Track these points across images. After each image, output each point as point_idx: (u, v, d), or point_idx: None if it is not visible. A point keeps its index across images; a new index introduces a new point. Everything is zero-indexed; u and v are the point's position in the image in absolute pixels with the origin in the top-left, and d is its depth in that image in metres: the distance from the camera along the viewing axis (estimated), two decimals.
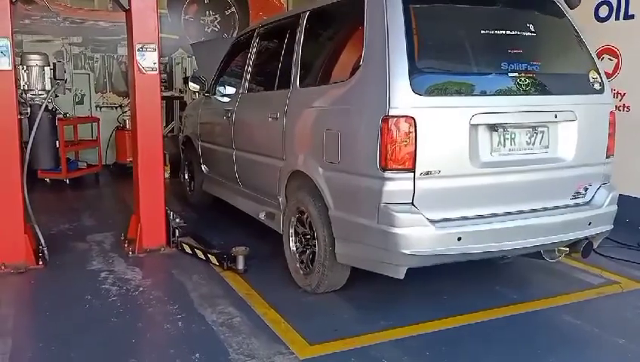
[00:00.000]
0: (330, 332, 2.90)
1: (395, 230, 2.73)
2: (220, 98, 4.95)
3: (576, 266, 3.85)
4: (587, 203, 3.25)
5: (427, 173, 2.75)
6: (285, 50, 3.83)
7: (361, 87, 2.96)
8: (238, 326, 2.97)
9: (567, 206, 3.18)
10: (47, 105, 4.17)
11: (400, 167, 2.72)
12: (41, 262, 3.88)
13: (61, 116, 6.85)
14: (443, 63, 2.96)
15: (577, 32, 3.30)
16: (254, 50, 4.43)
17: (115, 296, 3.38)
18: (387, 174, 2.73)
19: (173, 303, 3.28)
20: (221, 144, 4.78)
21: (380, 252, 2.87)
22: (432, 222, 2.77)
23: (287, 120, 3.59)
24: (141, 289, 3.50)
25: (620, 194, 3.33)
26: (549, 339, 2.88)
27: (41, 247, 3.92)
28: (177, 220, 4.32)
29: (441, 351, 2.73)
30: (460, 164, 2.84)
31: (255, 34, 4.48)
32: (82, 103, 8.43)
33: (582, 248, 3.19)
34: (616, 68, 4.97)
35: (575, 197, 3.21)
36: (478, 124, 2.86)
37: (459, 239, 2.78)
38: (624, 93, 4.89)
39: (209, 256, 3.94)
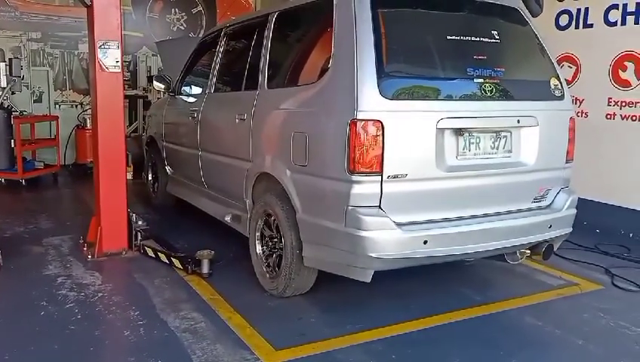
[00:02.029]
0: (297, 336, 2.87)
1: (362, 233, 2.73)
2: (186, 98, 4.86)
3: (537, 268, 3.94)
4: (548, 206, 3.33)
5: (394, 177, 2.76)
6: (253, 50, 3.78)
7: (329, 90, 2.95)
8: (202, 331, 2.91)
9: (528, 209, 3.26)
10: (2, 103, 4.00)
11: (367, 170, 2.72)
12: None
13: (17, 114, 6.62)
14: (410, 68, 2.98)
15: (539, 40, 3.39)
16: (222, 50, 4.36)
17: (72, 302, 3.26)
18: (355, 177, 2.73)
19: (135, 309, 3.19)
20: (186, 145, 4.69)
21: (347, 255, 2.86)
22: (399, 225, 2.78)
23: (254, 121, 3.55)
24: (100, 294, 3.39)
25: (578, 198, 3.44)
26: (512, 340, 2.94)
27: None
28: (140, 223, 4.20)
29: (406, 353, 2.74)
30: (426, 168, 2.86)
31: (223, 33, 4.41)
32: (40, 101, 8.14)
33: (543, 250, 3.27)
34: (575, 75, 5.14)
35: (536, 201, 3.29)
36: (444, 129, 2.90)
37: (425, 242, 2.81)
38: (582, 100, 5.06)
39: (173, 259, 3.86)
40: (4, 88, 4.03)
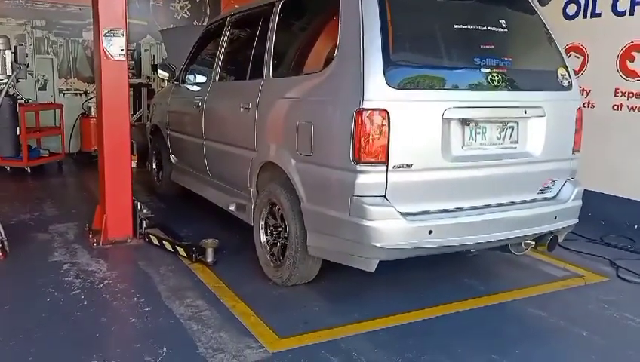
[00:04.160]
0: (301, 325, 2.89)
1: (367, 223, 2.73)
2: (190, 87, 4.85)
3: (541, 259, 3.94)
4: (553, 197, 3.32)
5: (399, 167, 2.75)
6: (258, 39, 3.76)
7: (334, 79, 2.93)
8: (207, 319, 2.93)
9: (534, 200, 3.24)
10: (7, 91, 4.00)
11: (373, 159, 2.71)
12: (0, 254, 3.73)
13: (22, 102, 6.63)
14: (417, 57, 2.96)
15: (547, 30, 3.35)
16: (226, 38, 4.34)
17: (78, 289, 3.28)
18: (360, 167, 2.72)
19: (140, 296, 3.21)
20: (191, 134, 4.68)
21: (351, 245, 2.86)
22: (404, 215, 2.78)
23: (259, 110, 3.54)
24: (106, 281, 3.41)
25: (584, 189, 3.42)
26: (515, 331, 2.95)
27: (0, 238, 3.77)
28: (144, 211, 4.22)
29: (410, 343, 2.75)
30: (432, 158, 2.85)
31: (227, 22, 4.39)
32: (45, 89, 8.14)
33: (548, 241, 3.26)
34: (583, 65, 5.09)
35: (542, 192, 3.28)
36: (450, 119, 2.88)
37: (430, 232, 2.80)
38: (589, 91, 5.01)
39: (177, 248, 3.87)
40: (10, 76, 4.00)
